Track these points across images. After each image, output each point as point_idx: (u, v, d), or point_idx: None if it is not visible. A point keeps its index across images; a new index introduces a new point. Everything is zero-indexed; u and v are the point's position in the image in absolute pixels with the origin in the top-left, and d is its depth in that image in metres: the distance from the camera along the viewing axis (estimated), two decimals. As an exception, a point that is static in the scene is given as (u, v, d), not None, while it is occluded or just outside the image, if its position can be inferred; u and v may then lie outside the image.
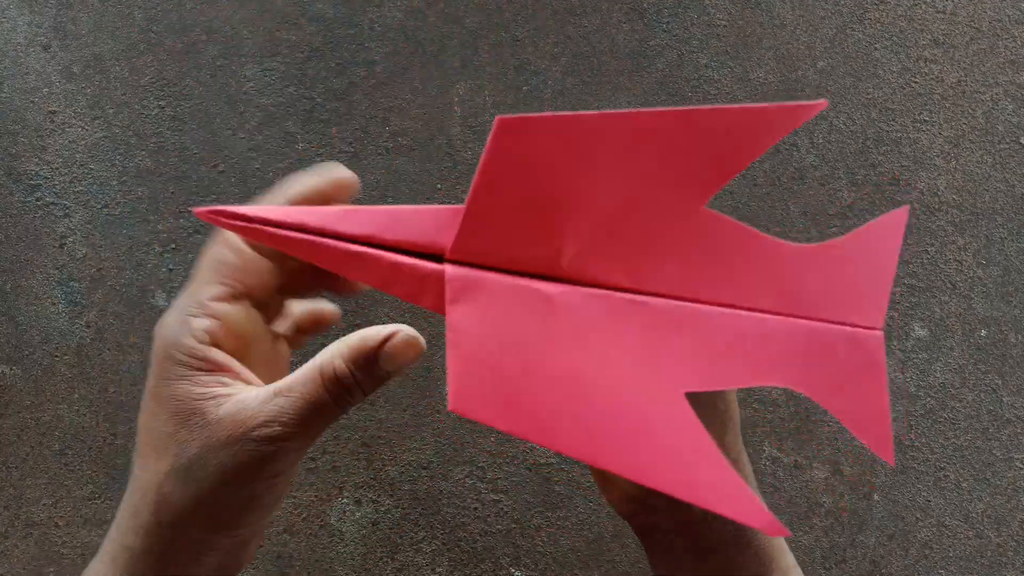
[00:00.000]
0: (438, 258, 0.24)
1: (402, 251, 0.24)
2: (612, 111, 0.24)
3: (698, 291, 0.27)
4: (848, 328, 0.28)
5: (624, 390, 0.24)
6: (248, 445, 0.26)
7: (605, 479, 0.36)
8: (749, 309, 0.27)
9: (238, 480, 0.27)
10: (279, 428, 0.26)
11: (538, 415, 0.23)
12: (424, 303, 0.24)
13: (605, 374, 0.24)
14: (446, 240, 0.24)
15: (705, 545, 0.33)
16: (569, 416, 0.23)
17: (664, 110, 0.24)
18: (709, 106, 0.24)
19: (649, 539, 0.35)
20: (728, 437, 0.32)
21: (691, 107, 0.24)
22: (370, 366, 0.26)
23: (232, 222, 0.25)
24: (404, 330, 0.27)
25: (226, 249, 0.28)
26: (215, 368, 0.27)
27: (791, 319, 0.28)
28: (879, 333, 0.28)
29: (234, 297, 0.28)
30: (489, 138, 0.23)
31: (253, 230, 0.24)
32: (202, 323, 0.27)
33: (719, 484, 0.24)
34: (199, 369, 0.27)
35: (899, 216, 0.29)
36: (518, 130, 0.23)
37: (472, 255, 0.24)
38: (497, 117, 0.23)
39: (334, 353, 0.27)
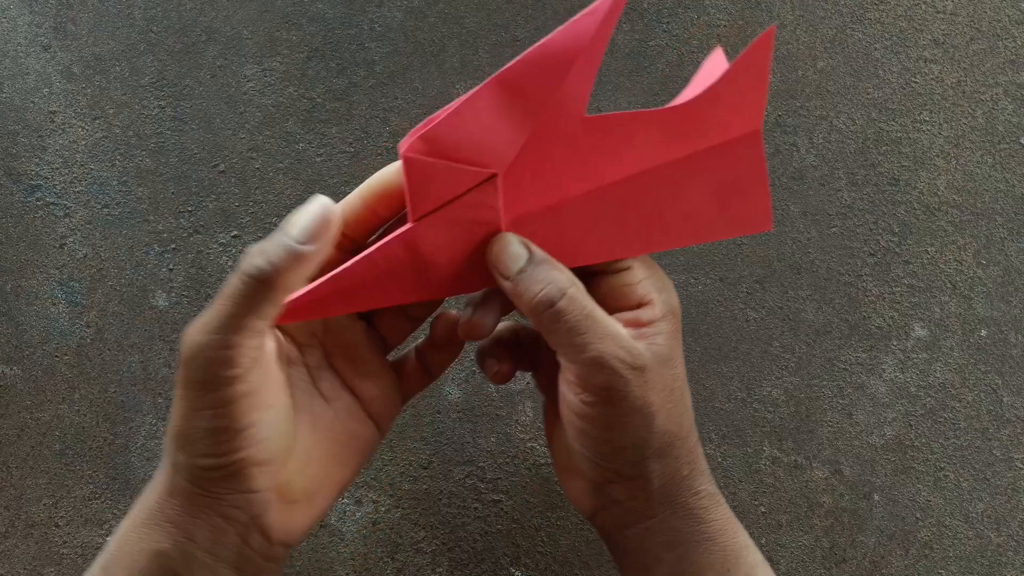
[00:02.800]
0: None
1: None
2: (476, 91, 0.33)
3: (603, 176, 0.34)
4: (732, 140, 0.34)
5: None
6: (182, 357, 0.30)
7: (567, 475, 0.36)
8: (651, 167, 0.34)
9: (183, 390, 0.30)
10: (198, 336, 0.30)
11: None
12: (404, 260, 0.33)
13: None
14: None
15: (666, 540, 0.34)
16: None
17: (492, 78, 0.33)
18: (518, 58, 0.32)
19: (612, 539, 0.36)
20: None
21: (503, 68, 0.32)
22: (282, 243, 0.30)
23: (292, 314, 0.33)
24: (314, 201, 0.31)
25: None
26: None
27: (685, 160, 0.34)
28: (756, 129, 0.34)
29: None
30: (403, 171, 0.32)
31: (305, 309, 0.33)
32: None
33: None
34: None
35: (764, 40, 0.33)
36: (423, 156, 0.32)
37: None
38: (402, 154, 0.32)
39: (251, 247, 0.31)
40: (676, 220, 0.34)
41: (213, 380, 0.30)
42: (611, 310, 0.34)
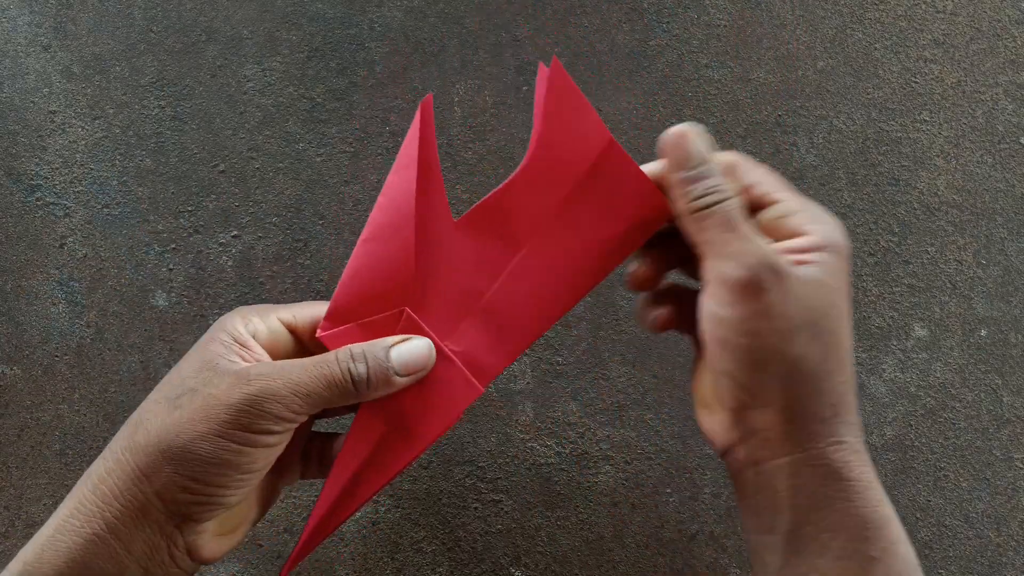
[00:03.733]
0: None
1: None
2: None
3: (507, 259, 0.36)
4: (593, 163, 0.35)
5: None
6: (240, 388, 0.31)
7: (706, 411, 0.34)
8: (545, 224, 0.35)
9: (217, 416, 0.30)
10: (278, 383, 0.31)
11: None
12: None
13: None
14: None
15: (796, 485, 0.32)
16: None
17: (358, 242, 0.35)
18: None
19: (742, 477, 0.33)
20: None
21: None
22: (383, 363, 0.33)
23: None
24: (421, 339, 0.34)
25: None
26: (247, 347, 0.33)
27: (568, 202, 0.35)
28: (607, 141, 0.35)
29: (291, 327, 0.35)
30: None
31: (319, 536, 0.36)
32: (258, 323, 0.34)
33: None
34: (237, 342, 0.33)
35: (554, 76, 0.35)
36: (335, 330, 0.35)
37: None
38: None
39: (351, 347, 0.33)
40: (597, 254, 0.36)
41: (262, 428, 0.31)
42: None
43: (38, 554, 0.31)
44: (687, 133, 0.33)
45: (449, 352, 0.35)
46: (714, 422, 0.34)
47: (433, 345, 0.35)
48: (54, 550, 0.31)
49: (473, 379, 0.35)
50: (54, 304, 0.48)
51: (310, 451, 0.38)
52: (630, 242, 0.36)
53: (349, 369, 0.32)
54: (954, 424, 0.49)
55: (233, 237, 0.49)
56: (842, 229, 0.33)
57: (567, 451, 0.48)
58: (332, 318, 0.35)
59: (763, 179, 0.34)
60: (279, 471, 0.37)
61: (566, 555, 0.47)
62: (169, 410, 0.31)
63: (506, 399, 0.48)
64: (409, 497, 0.48)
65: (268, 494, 0.37)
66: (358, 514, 0.47)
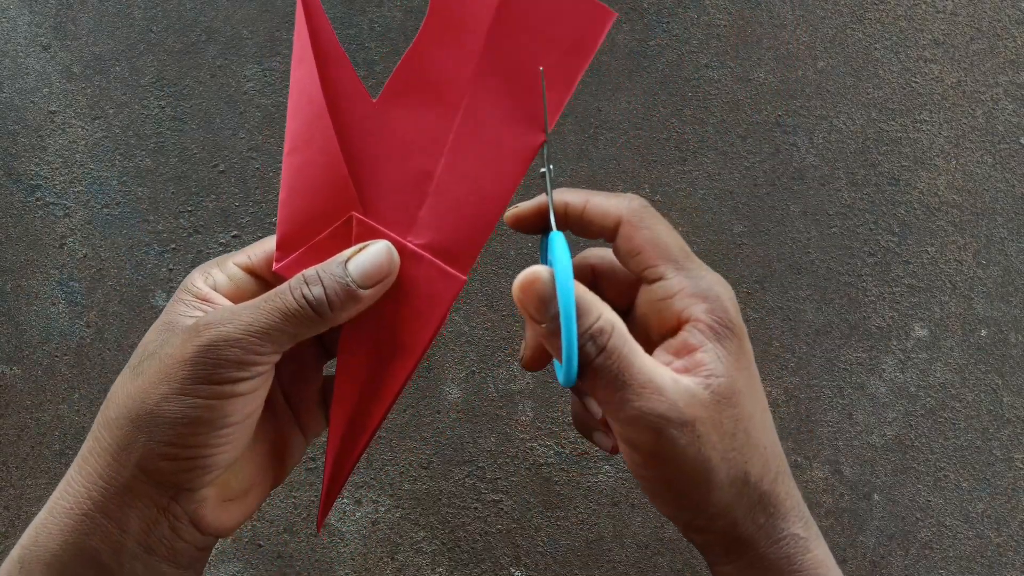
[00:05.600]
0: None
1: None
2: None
3: (448, 120, 0.32)
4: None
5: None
6: (192, 341, 0.29)
7: (661, 500, 0.33)
8: (473, 71, 0.32)
9: (175, 375, 0.29)
10: (230, 327, 0.29)
11: None
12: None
13: None
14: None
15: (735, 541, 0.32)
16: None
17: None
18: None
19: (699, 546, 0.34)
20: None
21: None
22: (341, 280, 0.30)
23: None
24: (377, 243, 0.31)
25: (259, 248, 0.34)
26: (208, 300, 0.32)
27: (495, 39, 0.32)
28: None
29: (248, 269, 0.33)
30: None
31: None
32: (217, 274, 0.32)
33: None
34: (198, 298, 0.31)
35: None
36: (288, 261, 0.32)
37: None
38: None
39: (305, 272, 0.31)
40: (540, 89, 0.32)
41: (224, 377, 0.29)
42: (657, 336, 0.31)
43: (33, 538, 0.30)
44: (527, 278, 0.28)
45: (414, 248, 0.32)
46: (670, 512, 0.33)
47: (392, 246, 0.31)
48: (47, 533, 0.30)
49: (450, 269, 0.32)
50: (54, 304, 0.48)
51: (328, 396, 0.36)
52: (574, 65, 0.32)
53: (303, 295, 0.30)
54: (954, 424, 0.49)
55: (233, 237, 0.49)
56: (731, 300, 0.30)
57: (567, 451, 0.48)
58: (283, 247, 0.32)
59: (646, 245, 0.31)
60: (300, 422, 0.35)
61: (566, 555, 0.47)
62: (132, 378, 0.30)
63: (506, 399, 0.48)
64: (409, 497, 0.48)
65: (282, 450, 0.34)
66: (358, 514, 0.47)
